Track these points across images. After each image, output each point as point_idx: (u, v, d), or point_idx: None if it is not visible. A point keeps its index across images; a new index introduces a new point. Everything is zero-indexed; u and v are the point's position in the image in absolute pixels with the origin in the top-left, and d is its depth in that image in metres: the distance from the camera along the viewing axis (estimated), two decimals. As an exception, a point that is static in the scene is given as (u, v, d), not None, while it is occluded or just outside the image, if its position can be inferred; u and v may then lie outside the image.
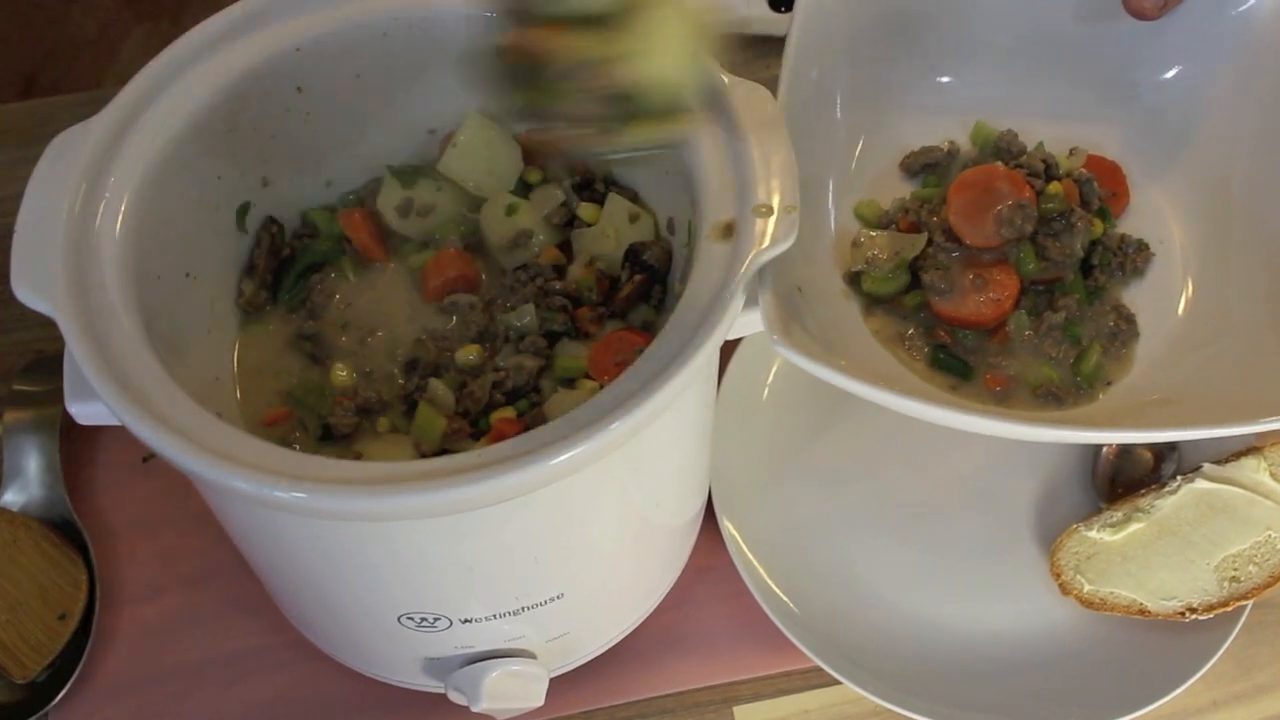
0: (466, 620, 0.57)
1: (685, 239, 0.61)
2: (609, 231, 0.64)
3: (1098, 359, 0.70)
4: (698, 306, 0.51)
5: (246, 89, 0.59)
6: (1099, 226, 0.74)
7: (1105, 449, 0.76)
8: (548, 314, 0.62)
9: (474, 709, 0.61)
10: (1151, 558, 0.69)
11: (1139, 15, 0.70)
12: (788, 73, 0.69)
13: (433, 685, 0.64)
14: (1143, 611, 0.69)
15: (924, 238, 0.73)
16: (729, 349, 0.78)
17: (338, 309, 0.65)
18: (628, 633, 0.68)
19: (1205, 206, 0.74)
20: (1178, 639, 0.69)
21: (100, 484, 0.77)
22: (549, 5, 0.45)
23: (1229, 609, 0.68)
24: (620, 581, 0.63)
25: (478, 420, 0.59)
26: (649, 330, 0.61)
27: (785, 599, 0.70)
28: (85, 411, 0.52)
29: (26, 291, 0.50)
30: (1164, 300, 0.73)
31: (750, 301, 0.53)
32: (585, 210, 0.65)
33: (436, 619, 0.57)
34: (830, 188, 0.76)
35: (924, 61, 0.79)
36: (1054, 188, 0.73)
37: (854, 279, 0.74)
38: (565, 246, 0.66)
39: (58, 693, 0.69)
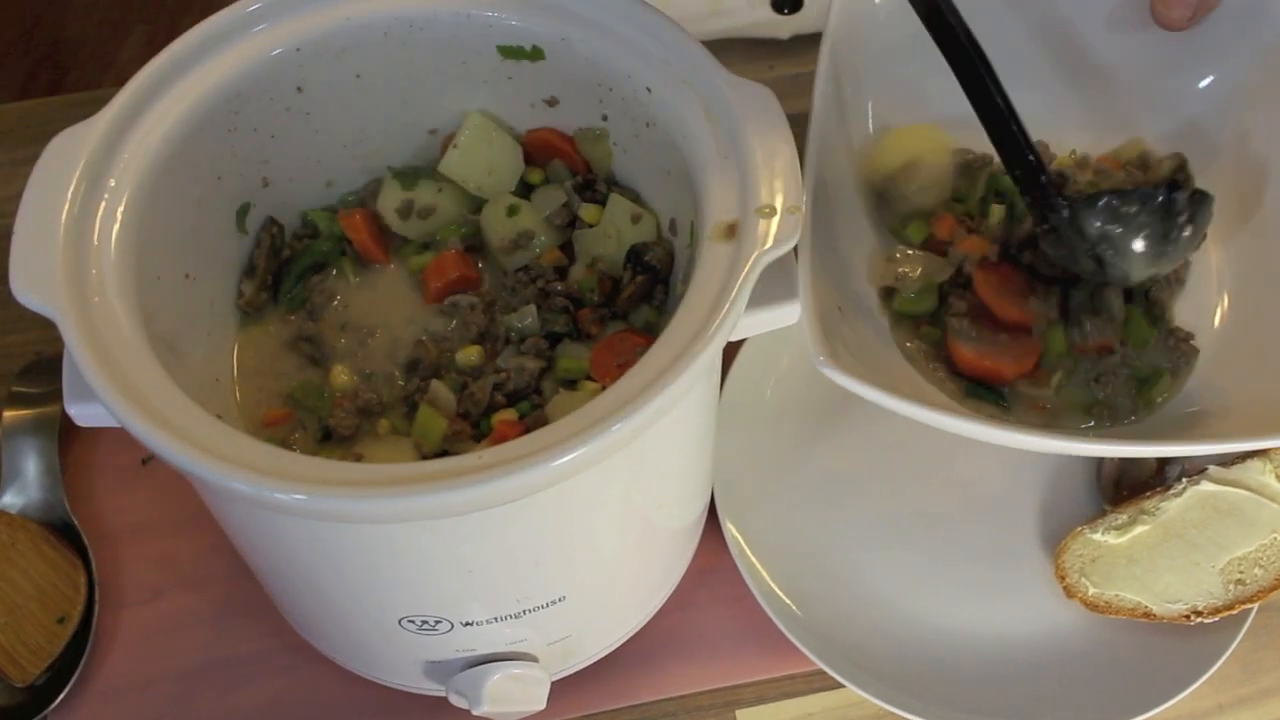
0: (468, 623, 0.57)
1: (688, 240, 0.61)
2: (611, 232, 0.64)
3: (1165, 388, 0.69)
4: (700, 307, 0.51)
5: (246, 89, 0.59)
6: None
7: (1110, 450, 0.75)
8: (549, 315, 0.61)
9: (475, 712, 0.61)
10: (1157, 560, 0.69)
11: (1168, 26, 0.70)
12: (821, 85, 0.68)
13: (434, 688, 0.64)
14: (1148, 614, 0.69)
15: (952, 264, 0.72)
16: (732, 350, 0.77)
17: (337, 310, 0.65)
18: (630, 636, 0.68)
19: (1239, 216, 0.74)
20: (1183, 642, 0.69)
21: (99, 486, 0.77)
22: None
23: (1234, 612, 0.68)
24: (622, 584, 0.63)
25: (479, 422, 0.59)
26: (651, 331, 0.61)
27: (788, 602, 0.70)
28: (84, 413, 0.52)
29: (25, 292, 0.50)
30: (1201, 312, 0.73)
31: (753, 302, 0.52)
32: (587, 211, 0.64)
33: (438, 622, 0.57)
34: (864, 199, 0.75)
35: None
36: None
37: (887, 294, 0.73)
38: (567, 248, 0.66)
39: (57, 696, 0.68)
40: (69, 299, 0.50)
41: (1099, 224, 0.64)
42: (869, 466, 0.77)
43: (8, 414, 0.77)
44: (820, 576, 0.72)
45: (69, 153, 0.54)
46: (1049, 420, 0.68)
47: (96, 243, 0.52)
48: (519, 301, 0.63)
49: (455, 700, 0.62)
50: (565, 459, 0.46)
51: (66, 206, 0.53)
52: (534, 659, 0.61)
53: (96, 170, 0.54)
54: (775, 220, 0.52)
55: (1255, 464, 0.71)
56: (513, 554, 0.53)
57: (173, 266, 0.58)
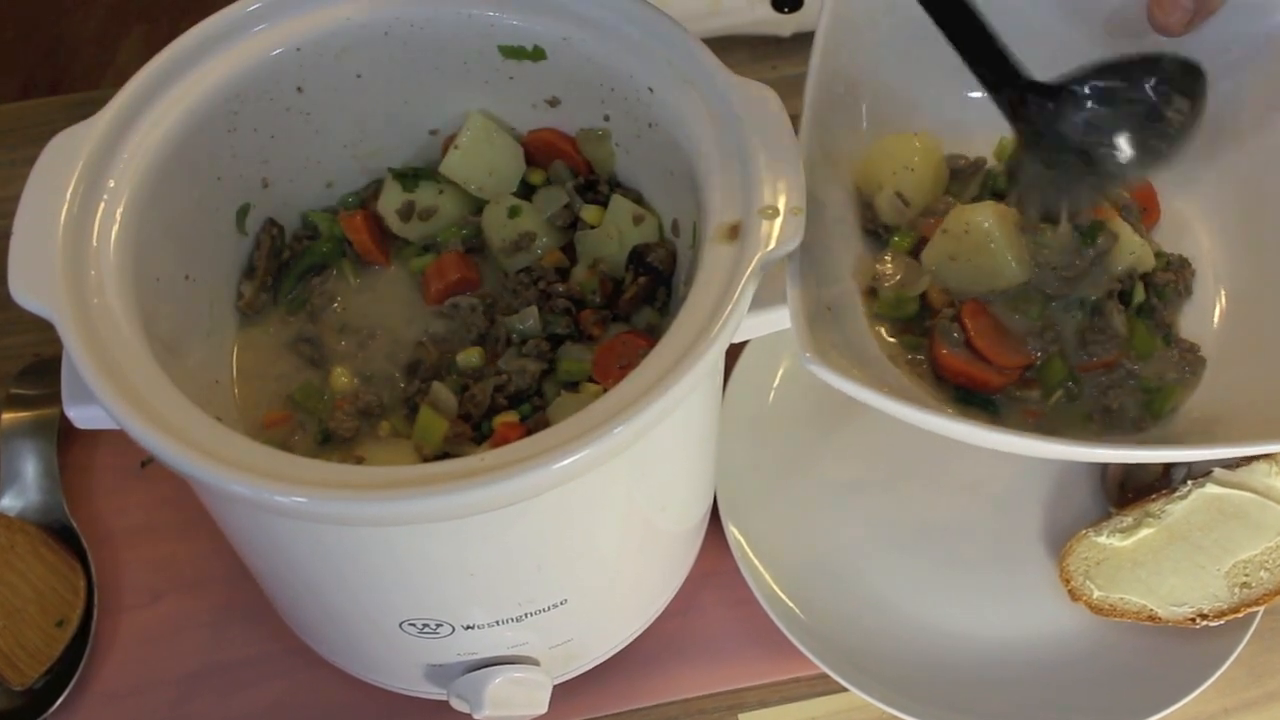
0: (469, 626, 0.57)
1: (690, 241, 0.61)
2: (613, 233, 0.63)
3: (1174, 398, 0.67)
4: (703, 309, 0.50)
5: (246, 89, 0.59)
6: (1147, 252, 0.71)
7: (1115, 453, 0.75)
8: (551, 317, 0.61)
9: (476, 716, 0.60)
10: (1162, 563, 0.69)
11: (1164, 32, 0.70)
12: (813, 87, 0.68)
13: (435, 692, 0.63)
14: (1153, 618, 0.68)
15: (927, 278, 0.70)
16: (734, 352, 0.77)
17: (337, 312, 0.64)
18: (632, 639, 0.67)
19: (1237, 218, 0.73)
20: (1188, 646, 0.69)
21: (98, 489, 0.77)
22: None
23: (1240, 615, 0.67)
24: (624, 587, 0.63)
25: (480, 424, 0.59)
26: (653, 333, 0.61)
27: (791, 605, 0.70)
28: (83, 415, 0.51)
29: (24, 294, 0.50)
30: (1198, 315, 0.72)
31: (756, 304, 0.52)
32: (588, 213, 0.64)
33: (439, 625, 0.56)
34: (855, 202, 0.75)
35: (952, 75, 0.78)
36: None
37: (871, 296, 0.73)
38: (568, 249, 0.66)
39: (56, 699, 0.68)
40: (68, 301, 0.50)
41: (1086, 108, 0.61)
42: (873, 469, 0.76)
43: (6, 416, 0.77)
44: (824, 579, 0.72)
45: (68, 153, 0.54)
46: (1043, 426, 0.67)
47: (95, 244, 0.52)
48: (520, 303, 0.62)
49: (456, 704, 0.61)
50: (567, 461, 0.46)
51: (65, 207, 0.52)
52: (536, 662, 0.61)
53: (95, 171, 0.54)
54: (778, 221, 0.52)
55: (1261, 466, 0.70)
56: (514, 557, 0.53)
57: (172, 268, 0.57)
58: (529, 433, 0.54)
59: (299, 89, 0.62)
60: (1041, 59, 0.78)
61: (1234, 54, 0.73)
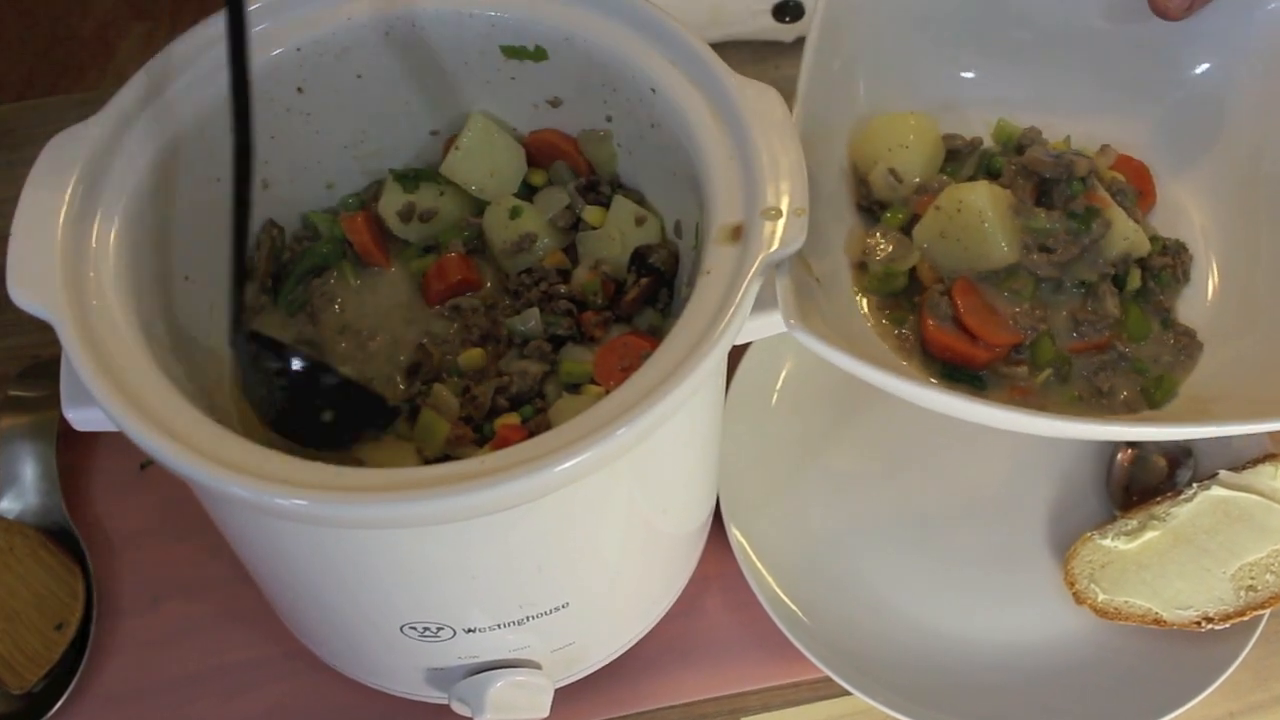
0: (470, 630, 0.57)
1: (692, 242, 0.60)
2: (615, 234, 0.63)
3: (1169, 382, 0.67)
4: (705, 311, 0.50)
5: (246, 89, 0.59)
6: (1141, 238, 0.70)
7: (1120, 455, 0.75)
8: (552, 318, 0.61)
9: (477, 720, 0.60)
10: (1167, 566, 0.69)
11: (1163, 15, 0.70)
12: (809, 62, 0.68)
13: (436, 696, 0.63)
14: (1158, 621, 0.68)
15: (917, 253, 0.70)
16: (737, 353, 0.77)
17: (338, 313, 0.64)
18: (634, 643, 0.67)
19: (1233, 202, 0.73)
20: (1194, 649, 0.68)
21: (98, 491, 0.76)
22: None
23: (1246, 618, 0.67)
24: (626, 590, 0.63)
25: (481, 426, 0.59)
26: (655, 334, 0.61)
27: (794, 608, 0.70)
28: (82, 417, 0.51)
29: (22, 295, 0.50)
30: (1193, 297, 0.72)
31: (759, 305, 0.52)
32: (590, 214, 0.64)
33: (440, 629, 0.56)
34: (849, 177, 0.75)
35: (948, 56, 0.78)
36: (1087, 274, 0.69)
37: (861, 269, 0.72)
38: (569, 250, 0.66)
39: (55, 703, 0.68)
40: (66, 302, 0.50)
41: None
42: (876, 471, 0.76)
43: (5, 419, 0.76)
44: (827, 583, 0.72)
45: (67, 154, 0.54)
46: (1031, 404, 0.67)
47: (95, 245, 0.52)
48: (522, 304, 0.62)
49: (458, 708, 0.61)
50: (569, 464, 0.45)
51: (64, 208, 0.52)
52: (537, 666, 0.61)
53: (95, 172, 0.54)
54: (781, 222, 0.52)
55: (1267, 469, 0.70)
56: (516, 560, 0.53)
57: (171, 269, 0.57)
58: (531, 435, 0.53)
59: (299, 89, 0.61)
60: (1038, 42, 0.78)
61: (1231, 38, 0.74)
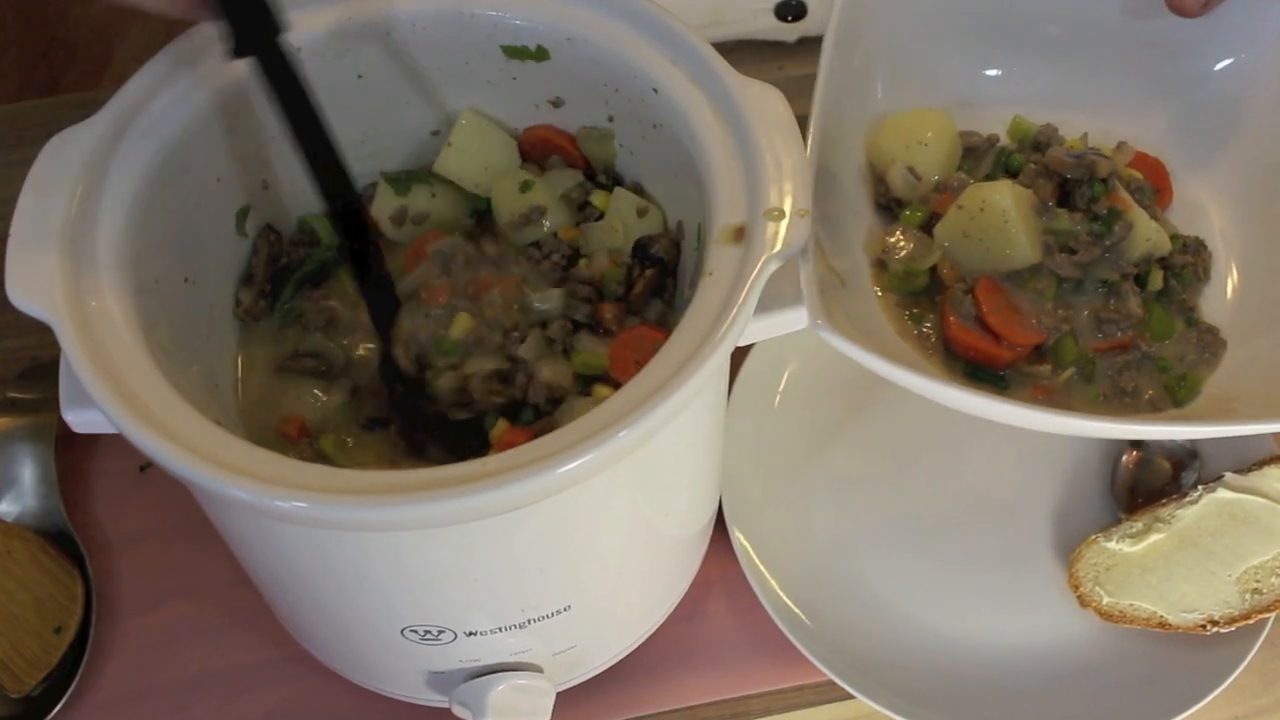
0: (471, 633, 0.56)
1: (695, 242, 0.60)
2: (617, 226, 0.63)
3: (1193, 380, 0.67)
4: (708, 312, 0.50)
5: (246, 90, 0.59)
6: (1163, 238, 0.70)
7: (1125, 457, 0.75)
8: (574, 302, 0.60)
9: (478, 724, 0.60)
10: (1172, 569, 0.68)
11: (1182, 13, 0.69)
12: (827, 59, 0.67)
13: (437, 699, 0.63)
14: (1163, 624, 0.68)
15: (938, 252, 0.70)
16: (740, 355, 0.77)
17: (334, 321, 0.63)
18: (636, 646, 0.67)
19: (1253, 199, 0.73)
20: (1199, 652, 0.68)
21: (97, 494, 0.76)
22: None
23: (1251, 622, 0.67)
24: (628, 593, 0.62)
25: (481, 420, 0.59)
26: (664, 325, 0.61)
27: (797, 611, 0.69)
28: (81, 419, 0.51)
29: (21, 296, 0.50)
30: (1214, 294, 0.72)
31: (762, 307, 0.52)
32: (598, 197, 0.64)
33: (440, 632, 0.56)
34: (868, 174, 0.74)
35: (967, 52, 0.78)
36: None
37: (881, 268, 0.72)
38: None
39: (54, 707, 0.68)
40: (65, 303, 0.49)
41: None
42: (880, 474, 0.76)
43: (3, 420, 0.76)
44: (830, 586, 0.71)
45: (66, 154, 0.54)
46: (1054, 403, 0.66)
47: (94, 246, 0.52)
48: (536, 276, 0.62)
49: (459, 712, 0.61)
50: (571, 465, 0.45)
51: (63, 209, 0.52)
52: (539, 669, 0.61)
53: (94, 172, 0.54)
54: (784, 223, 0.52)
55: (1272, 471, 0.70)
56: (517, 562, 0.53)
57: (171, 270, 0.57)
58: (534, 437, 0.53)
59: (300, 90, 0.61)
60: (1055, 39, 0.78)
61: (1250, 34, 0.73)
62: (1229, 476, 0.70)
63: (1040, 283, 0.68)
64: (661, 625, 0.68)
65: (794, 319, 0.54)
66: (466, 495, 0.44)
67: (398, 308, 0.60)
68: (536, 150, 0.66)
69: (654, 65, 0.58)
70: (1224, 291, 0.72)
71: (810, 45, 0.96)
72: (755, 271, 0.50)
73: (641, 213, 0.63)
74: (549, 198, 0.64)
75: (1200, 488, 0.70)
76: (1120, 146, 0.75)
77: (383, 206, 0.65)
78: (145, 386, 0.48)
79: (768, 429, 0.76)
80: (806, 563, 0.72)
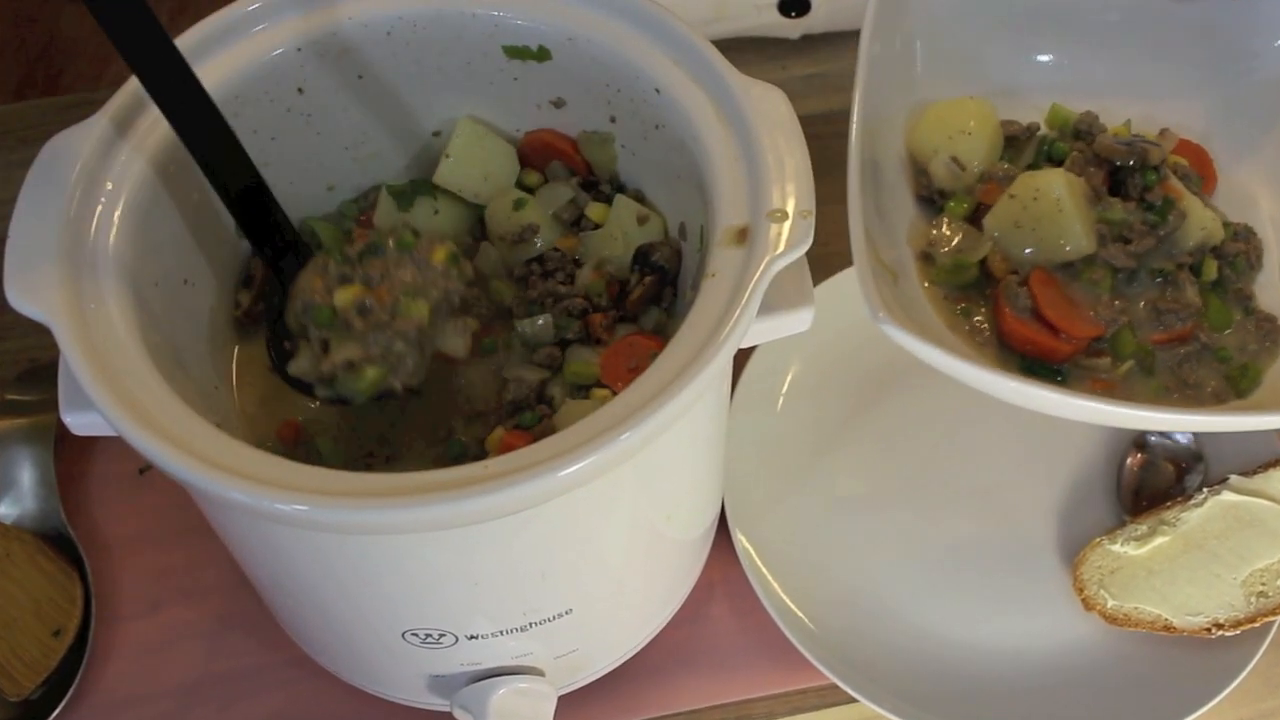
0: (472, 637, 0.56)
1: (697, 244, 0.60)
2: (617, 234, 0.63)
3: (1255, 370, 0.66)
4: (710, 313, 0.50)
5: (246, 90, 0.59)
6: (1217, 226, 0.69)
7: (1130, 460, 0.74)
8: (563, 320, 0.60)
9: (480, 729, 0.60)
10: (1177, 572, 0.68)
11: None
12: (865, 50, 0.66)
13: (438, 703, 0.63)
14: (1168, 628, 0.68)
15: (989, 243, 0.69)
16: (743, 357, 0.77)
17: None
18: (638, 649, 0.67)
19: None
20: (1204, 656, 0.68)
21: (96, 496, 0.76)
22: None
23: (1256, 625, 0.67)
24: (631, 597, 0.62)
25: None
26: (661, 334, 0.60)
27: (800, 614, 0.69)
28: (80, 421, 0.51)
29: (20, 298, 0.49)
30: (1266, 284, 0.71)
31: (765, 309, 0.51)
32: (594, 210, 0.64)
33: (441, 635, 0.56)
34: (908, 165, 0.74)
35: (1011, 38, 0.77)
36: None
37: (927, 260, 0.71)
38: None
39: (52, 710, 0.67)
40: (64, 305, 0.49)
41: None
42: (883, 476, 0.76)
43: (2, 423, 0.76)
44: (833, 588, 0.71)
45: (65, 155, 0.53)
46: (1116, 397, 0.65)
47: (93, 247, 0.52)
48: (522, 287, 0.61)
49: (460, 715, 0.61)
50: (573, 468, 0.45)
51: (62, 210, 0.52)
52: (540, 673, 0.60)
53: (93, 173, 0.53)
54: (787, 225, 0.52)
55: (1278, 474, 0.70)
56: (519, 566, 0.53)
57: (171, 272, 0.57)
58: (534, 440, 0.53)
59: (299, 90, 0.61)
60: (1107, 24, 0.76)
61: None
62: (1234, 479, 0.70)
63: (1095, 273, 0.67)
64: (664, 628, 0.67)
65: (797, 320, 0.53)
66: (468, 498, 0.44)
67: (305, 260, 0.57)
68: (537, 154, 0.66)
69: (656, 65, 0.58)
70: (1277, 278, 0.70)
71: (813, 43, 0.96)
72: (758, 273, 0.50)
73: (642, 220, 0.62)
74: (542, 215, 0.64)
75: (1205, 490, 0.70)
76: (1163, 133, 0.74)
77: (383, 219, 0.65)
78: (144, 389, 0.48)
79: (771, 431, 0.76)
80: (809, 566, 0.71)
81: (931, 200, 0.72)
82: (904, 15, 0.71)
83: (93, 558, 0.73)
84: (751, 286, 0.50)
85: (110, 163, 0.54)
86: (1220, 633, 0.67)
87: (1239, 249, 0.70)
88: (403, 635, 0.56)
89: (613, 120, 0.63)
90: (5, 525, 0.73)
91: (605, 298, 0.61)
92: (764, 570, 0.70)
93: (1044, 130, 0.75)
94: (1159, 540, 0.69)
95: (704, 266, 0.52)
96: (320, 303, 0.55)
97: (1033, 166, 0.72)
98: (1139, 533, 0.70)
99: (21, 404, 0.77)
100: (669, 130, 0.58)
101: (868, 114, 0.64)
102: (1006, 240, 0.68)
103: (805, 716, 0.70)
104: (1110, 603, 0.68)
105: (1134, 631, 0.69)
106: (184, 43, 0.57)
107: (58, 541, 0.73)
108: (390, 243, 0.56)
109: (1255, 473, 0.70)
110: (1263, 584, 0.67)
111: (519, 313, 0.61)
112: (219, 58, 0.58)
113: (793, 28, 0.94)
